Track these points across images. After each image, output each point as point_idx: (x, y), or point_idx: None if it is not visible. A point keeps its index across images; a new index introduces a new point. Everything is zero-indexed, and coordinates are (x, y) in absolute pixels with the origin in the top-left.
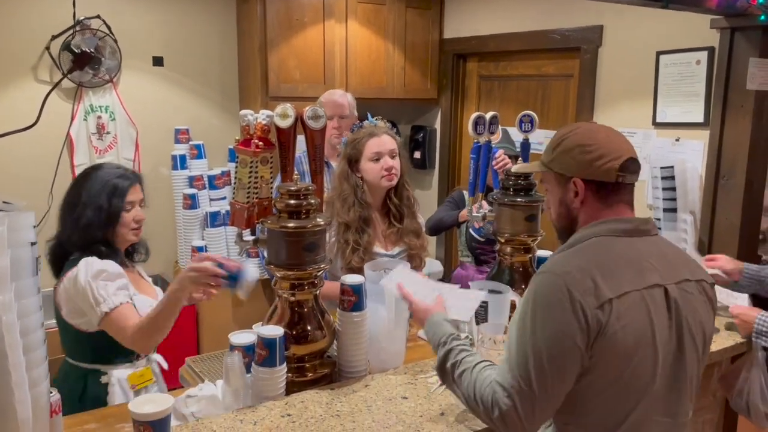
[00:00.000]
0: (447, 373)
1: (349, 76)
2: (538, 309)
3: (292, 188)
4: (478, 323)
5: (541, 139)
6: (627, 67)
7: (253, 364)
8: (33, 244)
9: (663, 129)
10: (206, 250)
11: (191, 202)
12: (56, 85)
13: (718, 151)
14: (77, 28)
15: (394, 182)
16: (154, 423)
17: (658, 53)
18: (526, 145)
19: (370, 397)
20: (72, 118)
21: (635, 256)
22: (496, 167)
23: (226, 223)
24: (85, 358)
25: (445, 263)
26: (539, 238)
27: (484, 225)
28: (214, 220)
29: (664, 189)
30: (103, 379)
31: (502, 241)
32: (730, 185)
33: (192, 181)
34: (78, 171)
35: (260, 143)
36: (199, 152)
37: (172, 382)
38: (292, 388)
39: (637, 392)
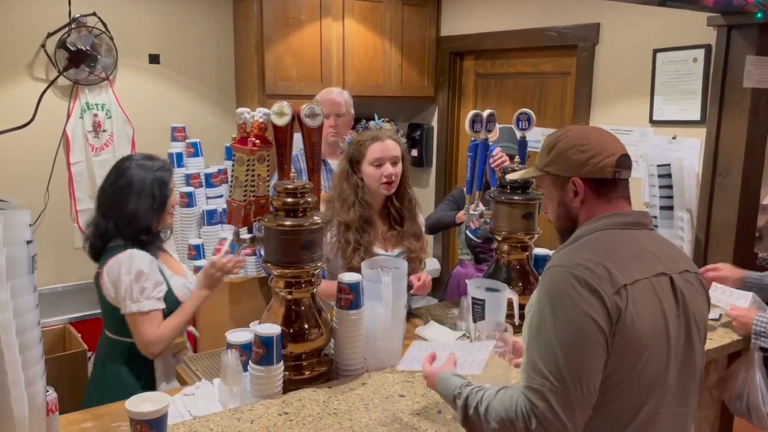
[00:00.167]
0: (473, 419)
1: (345, 74)
2: (556, 301)
3: (289, 186)
4: (475, 321)
5: (538, 136)
6: (624, 64)
7: (250, 362)
8: (29, 242)
9: (660, 127)
10: (203, 248)
11: (188, 200)
12: (52, 82)
13: (715, 148)
14: (73, 26)
15: (393, 190)
16: (152, 422)
17: (655, 51)
18: (523, 143)
19: (367, 395)
20: (68, 116)
21: (638, 247)
22: (493, 165)
23: (222, 221)
24: (126, 332)
25: (443, 261)
26: (536, 235)
27: (480, 225)
28: (210, 218)
29: (660, 187)
30: None
31: (500, 238)
32: (727, 183)
33: (189, 179)
34: (74, 169)
35: (257, 141)
36: (195, 150)
37: None
38: (289, 386)
39: (652, 381)
